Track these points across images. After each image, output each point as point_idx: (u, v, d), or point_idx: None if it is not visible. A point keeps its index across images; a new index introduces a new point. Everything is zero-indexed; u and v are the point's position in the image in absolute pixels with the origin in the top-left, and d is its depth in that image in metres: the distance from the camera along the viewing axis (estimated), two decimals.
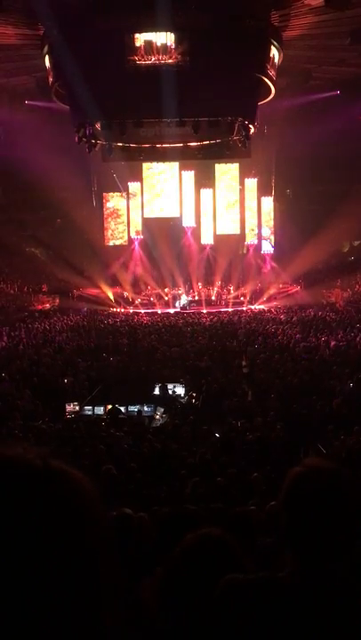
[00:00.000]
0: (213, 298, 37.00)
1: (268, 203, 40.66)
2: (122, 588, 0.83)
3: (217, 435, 13.40)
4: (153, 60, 23.62)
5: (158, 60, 23.58)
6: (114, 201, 41.48)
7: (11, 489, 0.75)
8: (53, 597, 0.73)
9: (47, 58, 25.50)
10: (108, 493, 8.07)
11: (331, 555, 1.65)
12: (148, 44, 23.63)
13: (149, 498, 8.65)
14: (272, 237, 40.41)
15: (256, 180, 40.39)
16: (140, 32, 23.62)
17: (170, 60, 23.51)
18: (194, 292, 37.55)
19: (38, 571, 0.72)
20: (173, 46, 23.57)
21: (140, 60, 23.61)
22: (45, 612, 0.72)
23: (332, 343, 21.65)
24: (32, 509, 0.74)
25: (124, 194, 41.06)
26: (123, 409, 16.38)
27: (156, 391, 17.94)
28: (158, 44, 23.62)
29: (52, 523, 0.75)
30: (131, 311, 34.74)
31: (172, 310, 34.72)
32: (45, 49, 25.21)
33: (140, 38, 23.76)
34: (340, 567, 1.64)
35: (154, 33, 23.67)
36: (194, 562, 1.88)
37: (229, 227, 40.78)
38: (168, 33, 23.62)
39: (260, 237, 40.50)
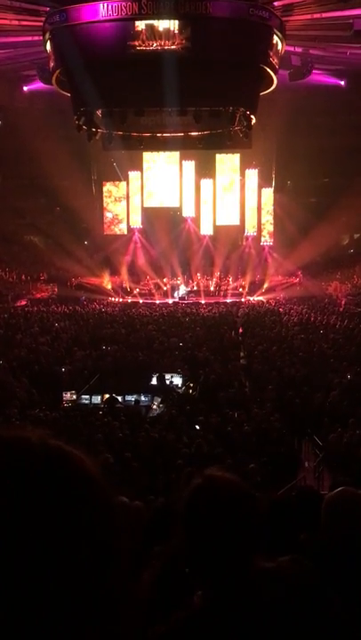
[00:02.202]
0: (212, 288, 36.95)
1: (269, 194, 40.53)
2: (127, 572, 0.82)
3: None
4: (155, 45, 23.43)
5: (161, 45, 23.39)
6: (114, 190, 41.30)
7: (9, 467, 0.74)
8: (57, 579, 0.71)
9: (48, 44, 25.33)
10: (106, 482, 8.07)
11: (229, 571, 1.60)
12: (150, 28, 23.42)
13: (145, 487, 8.66)
14: (272, 229, 40.31)
15: (257, 171, 40.24)
16: (141, 20, 23.45)
17: (173, 47, 23.33)
18: (192, 282, 37.50)
19: (40, 550, 0.71)
20: (177, 31, 23.37)
21: (140, 46, 23.42)
22: (46, 594, 0.70)
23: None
24: (31, 487, 0.73)
25: (123, 183, 40.89)
26: (120, 398, 16.39)
27: (154, 381, 17.92)
28: (161, 29, 23.43)
29: (51, 501, 0.74)
30: (129, 301, 34.70)
31: (170, 300, 34.70)
32: (47, 35, 25.04)
33: (142, 23, 23.57)
34: (245, 588, 1.59)
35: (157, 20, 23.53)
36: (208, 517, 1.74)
37: (229, 217, 40.65)
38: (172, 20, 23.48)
39: (259, 229, 40.41)
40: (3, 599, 0.69)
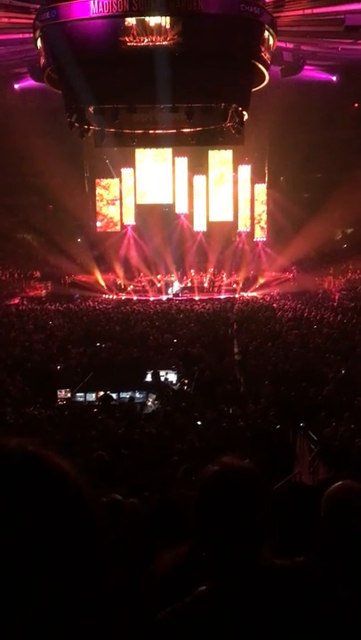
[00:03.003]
0: (206, 285, 36.95)
1: (262, 190, 40.54)
2: (114, 575, 0.81)
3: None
4: (146, 41, 23.38)
5: (152, 41, 23.34)
6: (106, 187, 41.22)
7: None
8: (37, 587, 0.71)
9: (39, 41, 25.24)
10: (100, 479, 8.08)
11: (241, 559, 1.62)
12: (141, 23, 23.37)
13: (141, 484, 8.66)
14: (265, 225, 40.32)
15: (250, 166, 40.24)
16: (132, 16, 23.39)
17: (164, 42, 23.28)
18: (186, 278, 37.49)
19: (20, 555, 0.71)
20: (168, 27, 23.33)
21: (131, 42, 23.36)
22: (28, 596, 0.70)
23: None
24: (6, 494, 0.73)
25: (116, 180, 40.83)
26: (114, 395, 16.38)
27: (148, 378, 17.94)
28: (152, 25, 23.37)
29: (28, 506, 0.73)
30: (123, 298, 34.68)
31: (164, 297, 34.69)
32: (38, 32, 24.96)
33: (132, 18, 23.50)
34: (254, 582, 1.61)
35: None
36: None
37: (222, 213, 40.63)
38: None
39: (252, 224, 40.42)
40: None
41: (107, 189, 41.08)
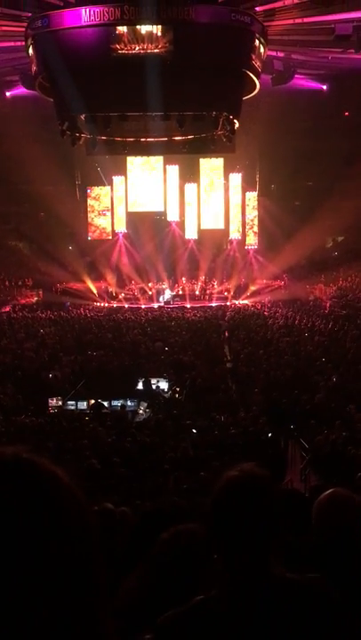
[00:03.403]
0: (197, 293, 36.95)
1: (253, 198, 40.66)
2: (105, 584, 0.81)
3: (194, 430, 13.38)
4: (137, 49, 23.46)
5: (143, 49, 23.42)
6: (98, 195, 41.22)
7: None
8: (28, 594, 0.71)
9: (31, 49, 25.28)
10: (92, 488, 8.04)
11: (255, 564, 1.65)
12: (132, 30, 23.46)
13: (132, 492, 8.63)
14: (256, 232, 40.42)
15: (240, 175, 40.35)
16: (123, 25, 23.47)
17: (155, 50, 23.37)
18: (178, 286, 37.49)
19: (15, 562, 0.71)
20: (160, 34, 23.42)
21: (122, 49, 23.43)
22: (22, 600, 0.70)
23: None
24: (1, 499, 0.73)
25: (108, 188, 40.84)
26: (106, 403, 16.35)
27: (140, 386, 17.91)
28: (143, 32, 23.45)
29: (23, 513, 0.73)
30: (114, 305, 34.64)
31: (155, 305, 34.68)
32: (29, 41, 25.00)
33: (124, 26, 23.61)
34: (267, 585, 1.64)
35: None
36: (170, 557, 1.92)
37: (214, 221, 40.68)
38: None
39: (244, 232, 40.51)
40: None
41: (97, 200, 41.02)
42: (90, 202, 41.02)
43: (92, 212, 40.98)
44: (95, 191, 41.10)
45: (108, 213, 40.83)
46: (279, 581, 1.65)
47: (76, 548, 0.77)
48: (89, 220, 40.89)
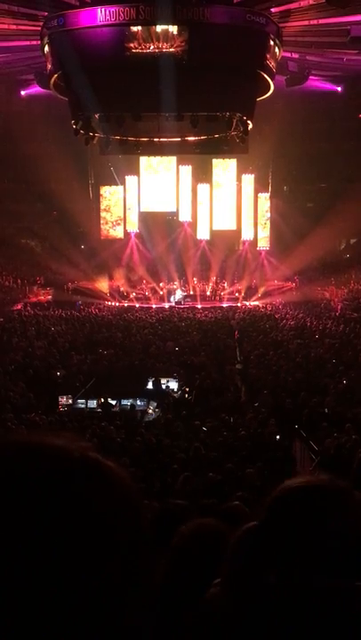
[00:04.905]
0: (208, 293, 36.97)
1: (265, 199, 40.60)
2: (148, 583, 0.82)
3: (204, 428, 13.37)
4: (152, 48, 23.49)
5: (158, 48, 23.45)
6: (111, 194, 41.30)
7: (49, 481, 0.74)
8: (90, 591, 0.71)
9: (46, 48, 25.37)
10: None
11: (304, 575, 1.57)
12: (147, 29, 23.49)
13: (141, 492, 8.63)
14: (268, 234, 40.36)
15: (253, 176, 40.29)
16: (138, 25, 23.52)
17: (170, 49, 23.38)
18: (189, 286, 37.52)
19: (80, 560, 0.71)
20: (175, 33, 23.43)
21: (137, 49, 23.46)
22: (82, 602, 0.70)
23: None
24: (69, 500, 0.73)
25: (120, 187, 40.91)
26: (115, 402, 16.38)
27: (150, 385, 17.92)
28: (158, 31, 23.47)
29: (88, 513, 0.74)
30: (125, 305, 34.69)
31: (166, 305, 34.70)
32: (45, 40, 25.08)
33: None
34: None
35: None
36: (191, 554, 1.90)
37: (226, 222, 40.66)
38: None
39: (256, 234, 40.45)
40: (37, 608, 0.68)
41: (111, 197, 41.08)
42: (102, 201, 41.10)
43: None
44: (108, 190, 41.17)
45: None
46: (325, 589, 1.55)
47: (134, 549, 0.77)
48: (101, 219, 40.97)
